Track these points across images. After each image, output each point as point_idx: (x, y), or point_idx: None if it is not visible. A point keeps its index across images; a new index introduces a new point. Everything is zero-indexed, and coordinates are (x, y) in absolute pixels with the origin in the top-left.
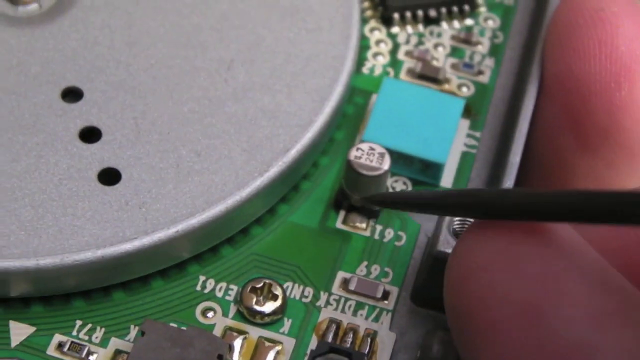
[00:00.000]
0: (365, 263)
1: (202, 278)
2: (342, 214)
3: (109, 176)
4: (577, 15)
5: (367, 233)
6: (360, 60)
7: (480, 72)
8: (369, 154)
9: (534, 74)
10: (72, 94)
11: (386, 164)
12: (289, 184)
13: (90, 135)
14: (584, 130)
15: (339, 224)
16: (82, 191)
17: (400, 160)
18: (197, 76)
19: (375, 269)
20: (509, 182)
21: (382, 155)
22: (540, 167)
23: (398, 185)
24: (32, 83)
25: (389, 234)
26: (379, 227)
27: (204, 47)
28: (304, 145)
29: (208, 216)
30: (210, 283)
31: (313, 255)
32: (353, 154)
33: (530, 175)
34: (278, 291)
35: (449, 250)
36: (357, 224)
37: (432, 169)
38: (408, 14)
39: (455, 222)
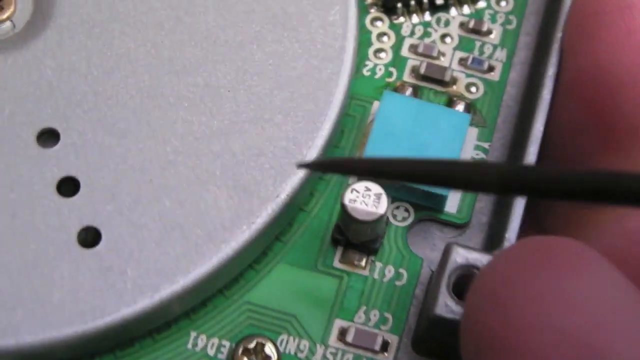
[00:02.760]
0: (363, 308)
1: (193, 334)
2: (339, 250)
3: (89, 237)
4: (602, 2)
5: (366, 272)
6: (360, 59)
7: (490, 69)
8: (364, 196)
9: (550, 65)
10: (47, 136)
11: (382, 208)
12: (281, 226)
13: (68, 187)
14: (609, 129)
15: (336, 263)
16: (62, 256)
17: (402, 188)
18: (181, 107)
19: (375, 315)
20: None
21: (378, 197)
22: (564, 164)
23: (400, 211)
24: (6, 124)
25: (389, 272)
26: (378, 265)
27: (187, 71)
28: (295, 188)
29: (194, 277)
30: (202, 339)
31: (309, 301)
32: (347, 197)
33: None
34: (271, 351)
35: (449, 316)
36: (356, 262)
37: (435, 197)
38: (412, 2)
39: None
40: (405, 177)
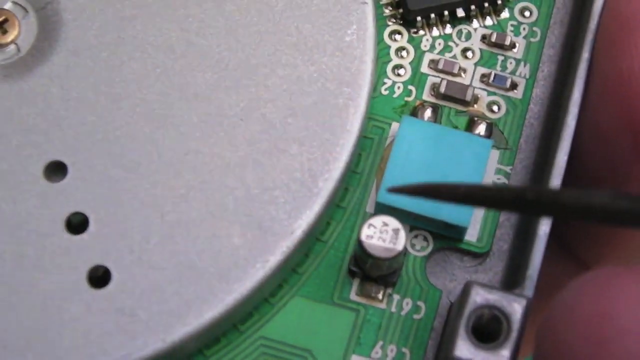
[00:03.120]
0: (380, 343)
1: None
2: (356, 282)
3: (100, 276)
4: (638, 7)
5: (384, 305)
6: (378, 76)
7: (513, 86)
8: (382, 232)
9: (575, 89)
10: (55, 169)
11: (400, 244)
12: (296, 259)
13: (77, 223)
14: None
15: (353, 295)
16: (72, 297)
17: (422, 219)
18: (192, 138)
19: (392, 350)
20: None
21: (396, 232)
22: (592, 177)
23: (418, 241)
24: (12, 157)
25: (407, 304)
26: (396, 297)
27: (198, 99)
28: (311, 222)
29: (207, 318)
30: None
31: (325, 336)
32: (365, 232)
33: (582, 183)
34: None
35: (466, 357)
36: (373, 294)
37: (456, 229)
38: (433, 15)
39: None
40: (496, 205)
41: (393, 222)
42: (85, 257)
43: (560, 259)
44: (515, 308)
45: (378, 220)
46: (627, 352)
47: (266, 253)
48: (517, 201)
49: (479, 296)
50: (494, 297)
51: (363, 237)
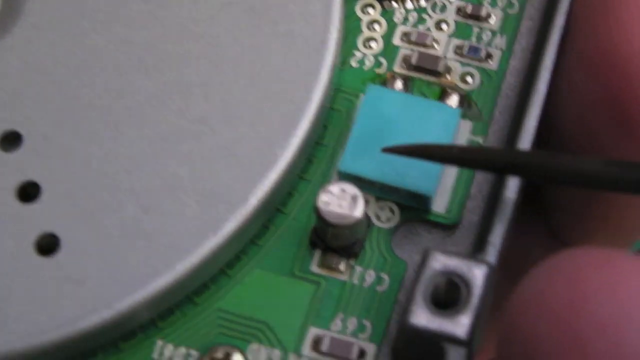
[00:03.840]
0: (341, 316)
1: (159, 343)
2: (317, 254)
3: (48, 244)
4: None
5: (345, 277)
6: (348, 49)
7: (488, 57)
8: (339, 198)
9: (547, 55)
10: (10, 140)
11: (358, 211)
12: (254, 230)
13: (29, 192)
14: (625, 112)
15: (313, 267)
16: (19, 265)
17: (385, 188)
18: (150, 107)
19: (352, 323)
20: (513, 184)
21: (354, 198)
22: (574, 150)
23: (384, 212)
24: None
25: (370, 276)
26: (358, 269)
27: (157, 69)
28: (268, 192)
29: (156, 287)
30: (169, 349)
31: (283, 308)
32: (321, 199)
33: None
34: None
35: (422, 325)
36: (334, 266)
37: (421, 198)
38: None
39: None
40: (487, 167)
41: (351, 189)
42: (34, 225)
43: (549, 247)
44: (476, 274)
45: (336, 187)
46: (606, 351)
47: (219, 221)
48: (508, 164)
49: (438, 262)
50: (453, 263)
51: (319, 204)
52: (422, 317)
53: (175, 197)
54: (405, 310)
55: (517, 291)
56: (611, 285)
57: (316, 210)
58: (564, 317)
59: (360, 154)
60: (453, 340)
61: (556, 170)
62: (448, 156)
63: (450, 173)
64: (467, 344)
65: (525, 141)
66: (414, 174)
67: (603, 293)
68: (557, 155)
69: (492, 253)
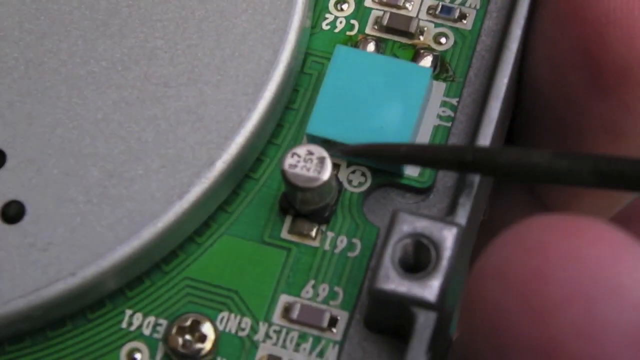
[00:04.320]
0: (312, 282)
1: (128, 312)
2: (288, 220)
3: (13, 212)
4: None
5: (317, 243)
6: (320, 12)
7: (462, 17)
8: (306, 160)
9: (519, 12)
10: None
11: (326, 174)
12: (222, 196)
13: None
14: (599, 68)
15: (284, 233)
16: None
17: None
18: (114, 72)
19: (324, 290)
20: (484, 140)
21: (321, 160)
22: (548, 111)
23: (355, 176)
24: None
25: (342, 242)
26: (330, 235)
27: (122, 33)
28: (234, 155)
29: (121, 254)
30: (138, 318)
31: (253, 276)
32: (287, 161)
33: (538, 121)
34: (208, 330)
35: (390, 288)
36: (305, 232)
37: None
38: None
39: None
40: (435, 164)
41: (318, 151)
42: (0, 193)
43: (532, 210)
44: (445, 235)
45: (302, 149)
46: (573, 323)
47: (185, 185)
48: (455, 161)
49: (406, 224)
50: (422, 225)
51: (285, 167)
52: (390, 281)
53: (140, 162)
54: (373, 274)
55: (480, 260)
56: (577, 251)
57: (282, 173)
58: (530, 286)
59: (329, 116)
60: (422, 304)
61: (504, 165)
62: (396, 155)
63: (424, 135)
64: (438, 307)
65: (496, 100)
66: (384, 136)
67: (570, 260)
68: (505, 150)
69: (462, 215)
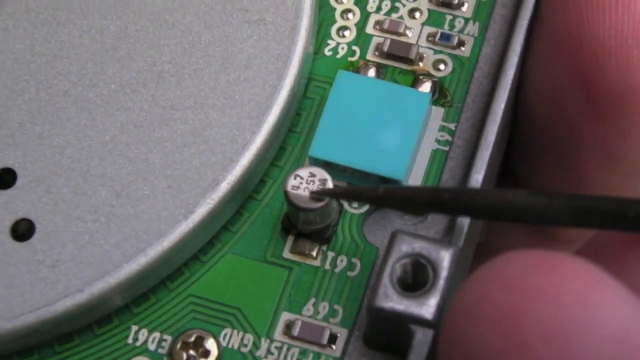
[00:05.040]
0: (312, 300)
1: (134, 328)
2: (290, 240)
3: (23, 229)
4: None
5: (317, 262)
6: (322, 38)
7: (460, 44)
8: (308, 182)
9: (516, 40)
10: None
11: None
12: (226, 215)
13: (4, 179)
14: (594, 94)
15: (286, 253)
16: None
17: (356, 174)
18: (123, 95)
19: (324, 308)
20: (481, 164)
21: (323, 183)
22: (545, 135)
23: None
24: None
25: (342, 262)
26: (330, 255)
27: (131, 57)
28: (238, 176)
29: (128, 271)
30: (143, 334)
31: (256, 294)
32: (290, 183)
33: (534, 145)
34: (211, 345)
35: (388, 306)
36: (307, 252)
37: (390, 182)
38: None
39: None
40: (414, 206)
41: (320, 173)
42: (10, 211)
43: (528, 233)
44: (442, 255)
45: (305, 171)
46: (551, 354)
47: (190, 206)
48: (434, 203)
49: (405, 244)
50: (420, 245)
51: (288, 188)
52: (389, 300)
53: (147, 182)
54: (373, 292)
55: (458, 296)
56: (554, 288)
57: (285, 195)
58: (508, 321)
59: (330, 139)
60: (420, 321)
61: (481, 205)
62: (374, 196)
63: (423, 158)
64: (435, 325)
65: (493, 124)
66: (384, 160)
67: (547, 296)
68: (482, 191)
69: (458, 235)
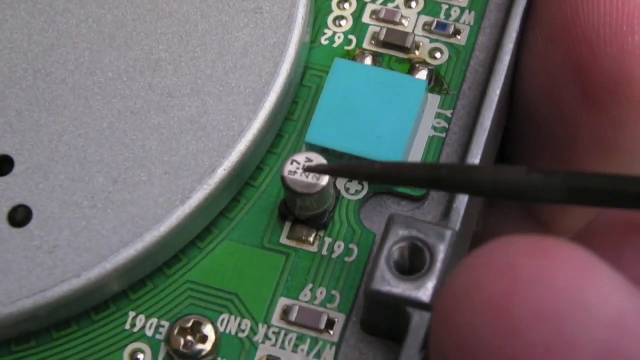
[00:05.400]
0: (310, 286)
1: (131, 314)
2: (287, 226)
3: (21, 216)
4: None
5: (315, 248)
6: (319, 28)
7: (457, 32)
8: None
9: (512, 27)
10: None
11: (324, 180)
12: (224, 202)
13: (2, 166)
14: (590, 83)
15: (283, 239)
16: None
17: (353, 160)
18: (120, 82)
19: (321, 293)
20: (477, 149)
21: None
22: (541, 126)
23: (353, 184)
24: None
25: (339, 247)
26: (328, 241)
27: (128, 45)
28: (235, 162)
29: (125, 257)
30: (141, 320)
31: (253, 280)
32: (287, 168)
33: (530, 135)
34: (209, 331)
35: (386, 290)
36: (304, 238)
37: None
38: None
39: (395, 249)
40: (411, 182)
41: (317, 158)
42: (7, 197)
43: (525, 224)
44: (439, 238)
45: (302, 157)
46: (543, 341)
47: (187, 191)
48: (431, 179)
49: (402, 228)
50: (417, 228)
51: (285, 173)
52: (386, 283)
53: (144, 169)
54: (370, 276)
55: (450, 281)
56: (545, 272)
57: (282, 180)
58: (500, 306)
59: (327, 125)
60: (418, 304)
61: (479, 182)
62: (370, 173)
63: (419, 145)
64: (432, 308)
65: (489, 110)
66: (381, 146)
67: (538, 280)
68: (479, 167)
69: (455, 219)
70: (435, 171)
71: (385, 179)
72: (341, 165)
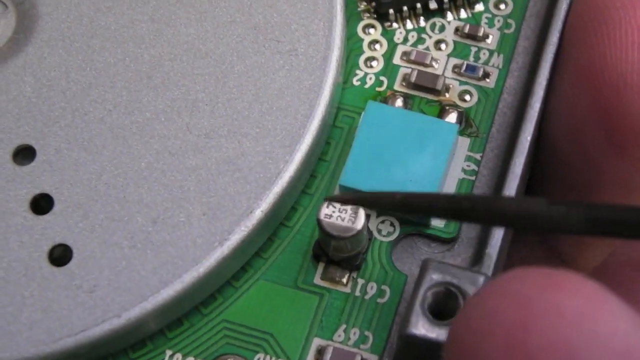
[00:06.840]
0: (343, 327)
1: (168, 353)
2: (321, 266)
3: (61, 255)
4: None
5: (348, 289)
6: (350, 68)
7: (485, 76)
8: (341, 211)
9: (542, 73)
10: (23, 153)
11: (359, 223)
12: (259, 242)
13: (41, 204)
14: (616, 128)
15: (317, 279)
16: (32, 275)
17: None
18: (158, 123)
19: (355, 334)
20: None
21: (355, 211)
22: (566, 168)
23: (385, 226)
24: None
25: (372, 288)
26: (360, 282)
27: (165, 85)
28: (271, 204)
29: (164, 297)
30: (177, 358)
31: (288, 319)
32: (323, 211)
33: (554, 176)
34: None
35: (421, 334)
36: (337, 279)
37: None
38: (405, 8)
39: (429, 295)
40: (432, 212)
41: None
42: (47, 236)
43: (546, 261)
44: (472, 284)
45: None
46: None
47: (225, 233)
48: (453, 210)
49: (435, 272)
50: (451, 274)
51: (321, 216)
52: (421, 327)
53: (182, 209)
54: (405, 320)
55: (464, 311)
56: (558, 303)
57: (318, 223)
58: (513, 334)
59: (361, 168)
60: None
61: (500, 212)
62: (392, 203)
63: (449, 188)
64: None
65: (519, 155)
66: (413, 189)
67: (551, 311)
68: (500, 197)
69: (488, 265)
70: (457, 202)
71: (408, 208)
72: (364, 194)
